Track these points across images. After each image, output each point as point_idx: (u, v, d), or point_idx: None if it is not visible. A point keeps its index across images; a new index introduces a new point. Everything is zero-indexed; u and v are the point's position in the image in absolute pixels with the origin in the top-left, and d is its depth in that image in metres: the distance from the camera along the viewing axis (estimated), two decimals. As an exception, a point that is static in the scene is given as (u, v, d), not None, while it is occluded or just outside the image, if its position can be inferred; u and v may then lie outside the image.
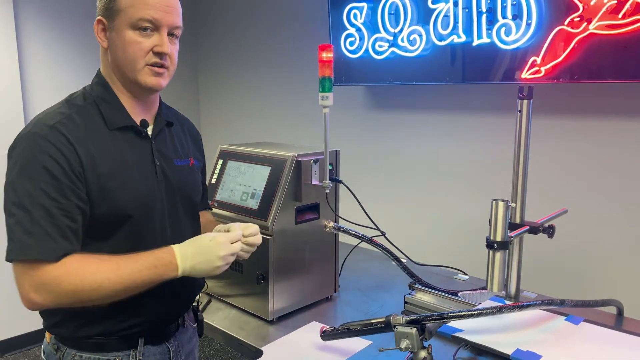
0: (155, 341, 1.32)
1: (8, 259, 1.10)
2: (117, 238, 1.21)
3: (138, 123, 1.27)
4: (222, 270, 1.23)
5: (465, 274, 2.12)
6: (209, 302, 1.87)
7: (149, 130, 1.30)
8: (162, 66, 1.23)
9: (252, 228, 1.33)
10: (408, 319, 1.29)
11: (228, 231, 1.30)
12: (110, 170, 1.18)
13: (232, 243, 1.25)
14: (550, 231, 1.65)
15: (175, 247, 1.20)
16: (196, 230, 1.44)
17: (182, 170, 1.36)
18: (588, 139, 2.28)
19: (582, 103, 2.28)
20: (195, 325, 1.52)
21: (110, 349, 1.26)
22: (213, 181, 1.87)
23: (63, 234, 1.11)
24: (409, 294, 1.82)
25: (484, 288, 1.75)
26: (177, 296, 1.35)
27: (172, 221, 1.32)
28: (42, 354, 1.34)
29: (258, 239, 1.34)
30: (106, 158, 1.19)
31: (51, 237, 1.09)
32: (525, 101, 1.63)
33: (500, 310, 1.32)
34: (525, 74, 2.20)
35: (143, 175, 1.25)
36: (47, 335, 1.30)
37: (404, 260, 1.84)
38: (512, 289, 1.74)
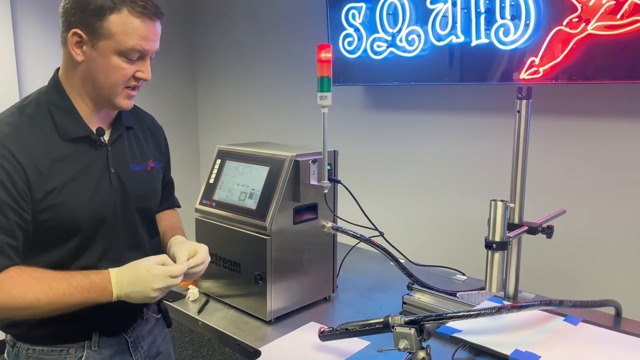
0: (110, 333, 1.33)
1: None
2: (68, 247, 1.21)
3: (94, 131, 1.25)
4: (158, 298, 1.21)
5: (464, 274, 2.12)
6: (206, 302, 1.86)
7: (106, 136, 1.29)
8: (136, 88, 1.24)
9: (197, 258, 1.30)
10: (407, 319, 1.29)
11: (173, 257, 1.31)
12: (60, 184, 1.17)
13: (172, 277, 1.20)
14: (548, 231, 1.65)
15: (112, 273, 1.19)
16: (153, 236, 1.43)
17: (138, 175, 1.35)
18: (586, 139, 2.28)
19: (580, 104, 2.28)
20: (159, 315, 1.51)
21: (63, 341, 1.27)
22: (211, 181, 1.87)
23: (0, 250, 1.11)
24: (407, 294, 1.82)
25: (483, 288, 1.75)
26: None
27: (127, 227, 1.32)
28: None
29: (202, 268, 1.31)
30: (56, 171, 1.17)
31: None
32: (524, 101, 1.63)
33: (499, 310, 1.32)
34: (523, 75, 2.20)
35: (96, 185, 1.24)
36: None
37: (402, 261, 1.84)
38: (511, 289, 1.73)
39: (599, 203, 2.26)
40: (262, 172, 1.73)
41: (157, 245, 1.44)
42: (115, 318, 1.33)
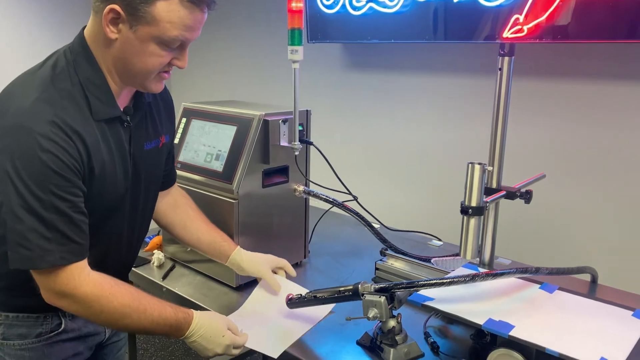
0: None
1: (27, 267, 1.06)
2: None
3: (122, 109, 1.19)
4: None
5: (440, 239, 2.07)
6: (172, 268, 1.79)
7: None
8: (169, 71, 1.18)
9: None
10: (377, 287, 1.24)
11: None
12: (99, 166, 1.12)
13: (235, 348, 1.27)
14: (527, 197, 1.59)
15: (195, 320, 1.22)
16: (149, 218, 1.40)
17: (149, 155, 1.29)
18: (570, 102, 2.21)
19: (565, 65, 2.20)
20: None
21: (40, 310, 1.21)
22: (176, 141, 1.76)
23: (81, 231, 1.08)
24: (380, 260, 1.76)
25: (457, 254, 1.70)
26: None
27: (132, 206, 1.28)
28: None
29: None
30: (96, 152, 1.11)
31: (70, 239, 1.06)
32: (506, 58, 1.55)
33: (473, 278, 1.27)
34: (507, 33, 2.11)
35: (121, 167, 1.19)
36: None
37: (376, 226, 1.78)
38: (487, 256, 1.69)
39: (580, 168, 2.22)
40: (229, 132, 1.64)
41: (146, 227, 1.40)
42: None
